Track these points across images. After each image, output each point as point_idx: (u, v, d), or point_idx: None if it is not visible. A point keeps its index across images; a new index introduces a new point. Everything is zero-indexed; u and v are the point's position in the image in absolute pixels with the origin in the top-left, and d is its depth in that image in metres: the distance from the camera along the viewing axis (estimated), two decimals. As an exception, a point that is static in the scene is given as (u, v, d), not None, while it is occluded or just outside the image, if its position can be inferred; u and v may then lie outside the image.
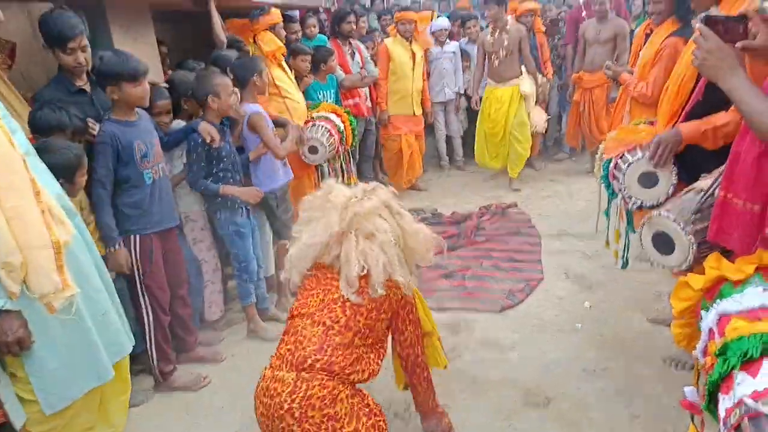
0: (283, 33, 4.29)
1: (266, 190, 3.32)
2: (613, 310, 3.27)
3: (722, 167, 2.15)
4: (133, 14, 3.38)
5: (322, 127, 4.02)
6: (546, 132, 6.19)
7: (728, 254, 1.73)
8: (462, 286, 3.68)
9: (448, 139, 6.42)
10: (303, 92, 4.29)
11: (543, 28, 6.11)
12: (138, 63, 2.51)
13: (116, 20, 3.20)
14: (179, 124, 3.10)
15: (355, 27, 5.21)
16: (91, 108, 2.62)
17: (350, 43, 5.16)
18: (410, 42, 5.39)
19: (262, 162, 3.34)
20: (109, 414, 2.04)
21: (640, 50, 3.71)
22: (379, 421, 1.79)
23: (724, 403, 1.25)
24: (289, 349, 1.81)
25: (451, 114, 6.27)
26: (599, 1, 5.29)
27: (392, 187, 2.13)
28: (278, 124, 3.84)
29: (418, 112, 5.57)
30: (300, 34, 4.81)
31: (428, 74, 5.95)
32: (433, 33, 6.09)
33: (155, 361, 2.76)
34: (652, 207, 2.45)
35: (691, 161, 2.43)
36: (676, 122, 2.52)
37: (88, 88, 2.64)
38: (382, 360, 1.93)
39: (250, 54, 3.81)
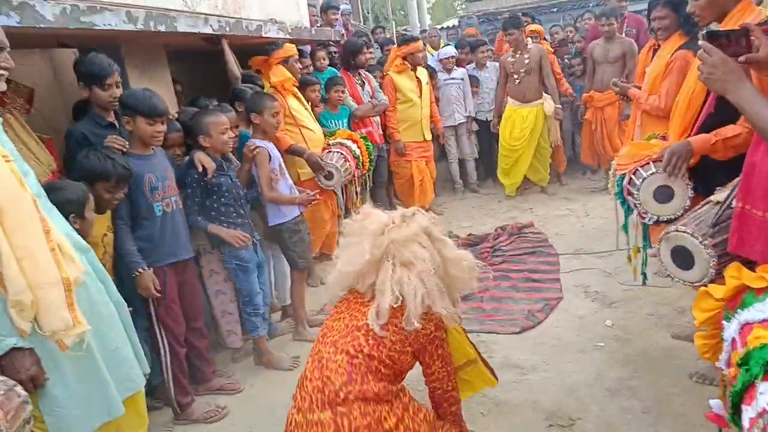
0: (298, 66, 4.38)
1: (278, 222, 3.36)
2: (635, 328, 3.20)
3: (737, 179, 2.14)
4: (149, 55, 3.50)
5: (338, 153, 4.08)
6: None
7: (749, 265, 1.69)
8: (480, 308, 3.64)
9: (462, 162, 6.47)
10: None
11: (551, 49, 6.20)
12: (159, 103, 2.62)
13: (132, 61, 3.31)
14: None
15: (367, 58, 5.33)
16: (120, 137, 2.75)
17: (359, 74, 5.25)
18: (414, 70, 5.47)
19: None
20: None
21: (645, 68, 3.73)
22: (426, 413, 1.77)
23: (748, 413, 1.22)
24: (317, 387, 1.71)
25: (463, 137, 6.34)
26: (606, 22, 5.35)
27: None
28: (296, 152, 3.91)
29: (428, 137, 5.63)
30: (311, 68, 4.92)
31: (437, 99, 6.05)
32: (440, 60, 6.22)
33: (173, 394, 2.76)
34: (669, 221, 2.42)
35: (705, 174, 2.42)
36: (688, 136, 2.51)
37: (116, 122, 2.79)
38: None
39: (264, 89, 3.90)
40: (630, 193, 2.57)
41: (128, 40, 3.13)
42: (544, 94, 5.72)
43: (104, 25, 2.65)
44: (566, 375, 2.83)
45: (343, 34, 5.99)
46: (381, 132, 5.37)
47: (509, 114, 5.80)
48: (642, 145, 2.81)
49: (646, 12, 4.12)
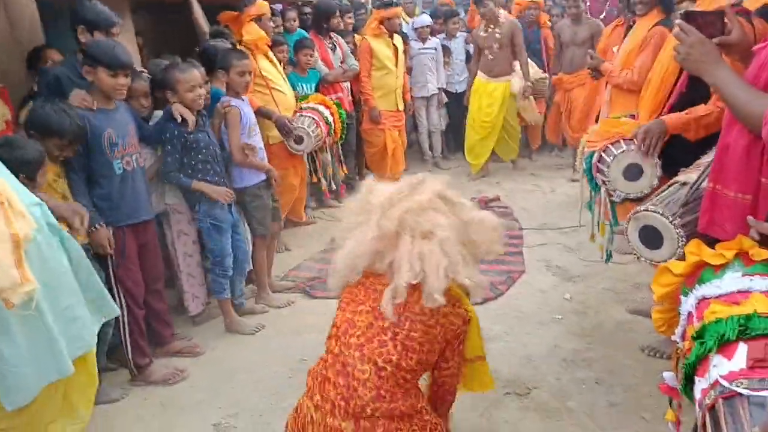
0: (271, 25, 4.22)
1: (240, 186, 3.28)
2: (593, 302, 3.29)
3: (702, 160, 2.18)
4: (111, 5, 3.31)
5: (309, 117, 3.99)
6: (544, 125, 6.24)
7: (713, 244, 1.73)
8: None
9: (428, 134, 6.43)
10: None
11: (549, 24, 6.13)
12: (123, 54, 2.50)
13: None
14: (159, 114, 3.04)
15: (340, 22, 5.18)
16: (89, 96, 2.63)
17: (331, 38, 5.12)
18: (392, 37, 5.36)
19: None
20: (74, 407, 1.98)
21: (609, 45, 3.77)
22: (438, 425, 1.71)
23: (701, 384, 1.26)
24: (341, 395, 1.59)
25: (432, 108, 6.29)
26: (573, 3, 5.35)
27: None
28: (263, 114, 3.80)
29: (401, 107, 5.56)
30: (281, 28, 4.76)
31: (409, 70, 5.96)
32: (415, 29, 6.10)
33: (130, 355, 2.71)
34: (637, 200, 2.45)
35: (670, 155, 2.45)
36: (659, 115, 2.54)
37: None
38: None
39: (236, 46, 3.75)
40: (599, 171, 2.59)
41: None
42: (515, 71, 5.61)
43: (65, -28, 2.50)
44: (525, 346, 2.89)
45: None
46: (350, 98, 5.27)
47: (477, 87, 5.73)
48: (612, 123, 2.84)
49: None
